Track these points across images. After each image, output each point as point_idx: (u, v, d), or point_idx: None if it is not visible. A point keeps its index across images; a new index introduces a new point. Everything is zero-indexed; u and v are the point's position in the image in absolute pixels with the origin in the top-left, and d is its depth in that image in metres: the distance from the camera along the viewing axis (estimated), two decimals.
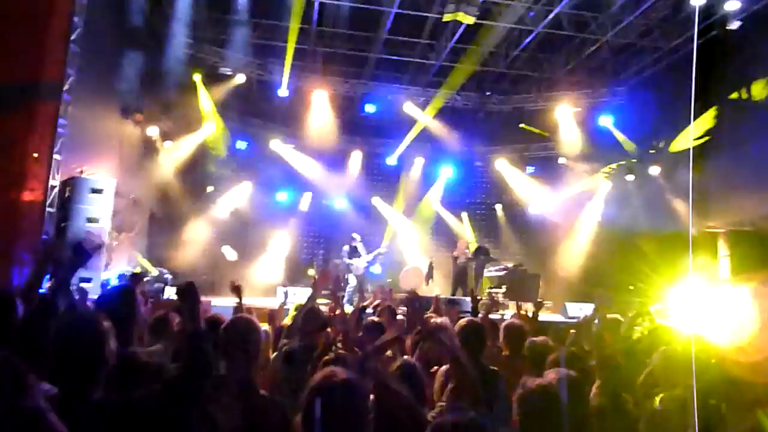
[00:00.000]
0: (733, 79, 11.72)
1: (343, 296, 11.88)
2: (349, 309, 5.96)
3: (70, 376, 2.07)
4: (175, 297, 2.61)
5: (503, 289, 12.79)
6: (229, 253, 13.23)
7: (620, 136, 14.50)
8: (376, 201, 16.61)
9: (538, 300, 6.58)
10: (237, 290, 4.65)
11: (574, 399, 2.51)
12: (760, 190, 10.50)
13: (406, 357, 3.72)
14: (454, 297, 11.50)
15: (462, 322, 3.79)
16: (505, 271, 13.26)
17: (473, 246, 14.07)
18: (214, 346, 2.56)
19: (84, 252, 2.78)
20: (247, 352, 2.77)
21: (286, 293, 11.30)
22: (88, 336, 2.10)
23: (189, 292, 2.29)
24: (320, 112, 15.00)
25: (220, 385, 2.55)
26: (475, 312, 5.71)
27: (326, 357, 3.27)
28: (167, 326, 3.80)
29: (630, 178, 14.74)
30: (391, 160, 16.59)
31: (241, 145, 15.07)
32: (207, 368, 2.18)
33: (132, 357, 2.50)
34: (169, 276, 11.21)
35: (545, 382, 2.53)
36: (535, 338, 4.00)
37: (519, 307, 5.84)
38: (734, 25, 11.15)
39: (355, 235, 12.45)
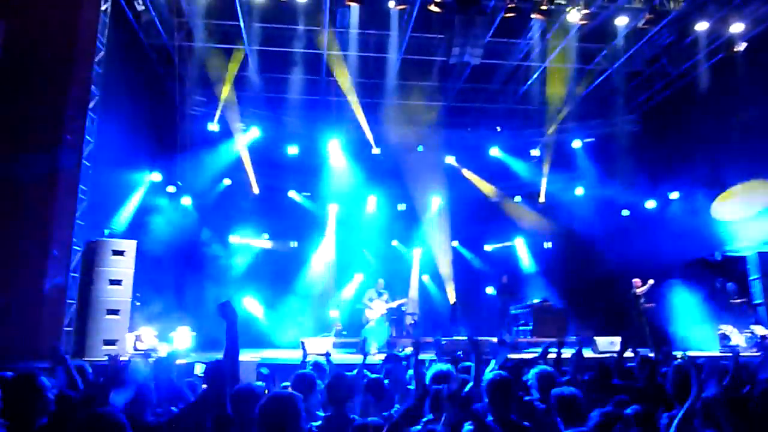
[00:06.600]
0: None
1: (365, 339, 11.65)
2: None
3: None
4: None
5: (529, 326, 12.49)
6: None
7: None
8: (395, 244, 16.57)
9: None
10: None
11: None
12: None
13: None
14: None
15: (489, 377, 3.65)
16: (530, 308, 12.92)
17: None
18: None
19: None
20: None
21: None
22: None
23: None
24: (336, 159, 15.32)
25: None
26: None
27: None
28: None
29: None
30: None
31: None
32: None
33: None
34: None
35: None
36: (562, 390, 3.74)
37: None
38: (741, 46, 11.12)
39: (380, 280, 12.27)
